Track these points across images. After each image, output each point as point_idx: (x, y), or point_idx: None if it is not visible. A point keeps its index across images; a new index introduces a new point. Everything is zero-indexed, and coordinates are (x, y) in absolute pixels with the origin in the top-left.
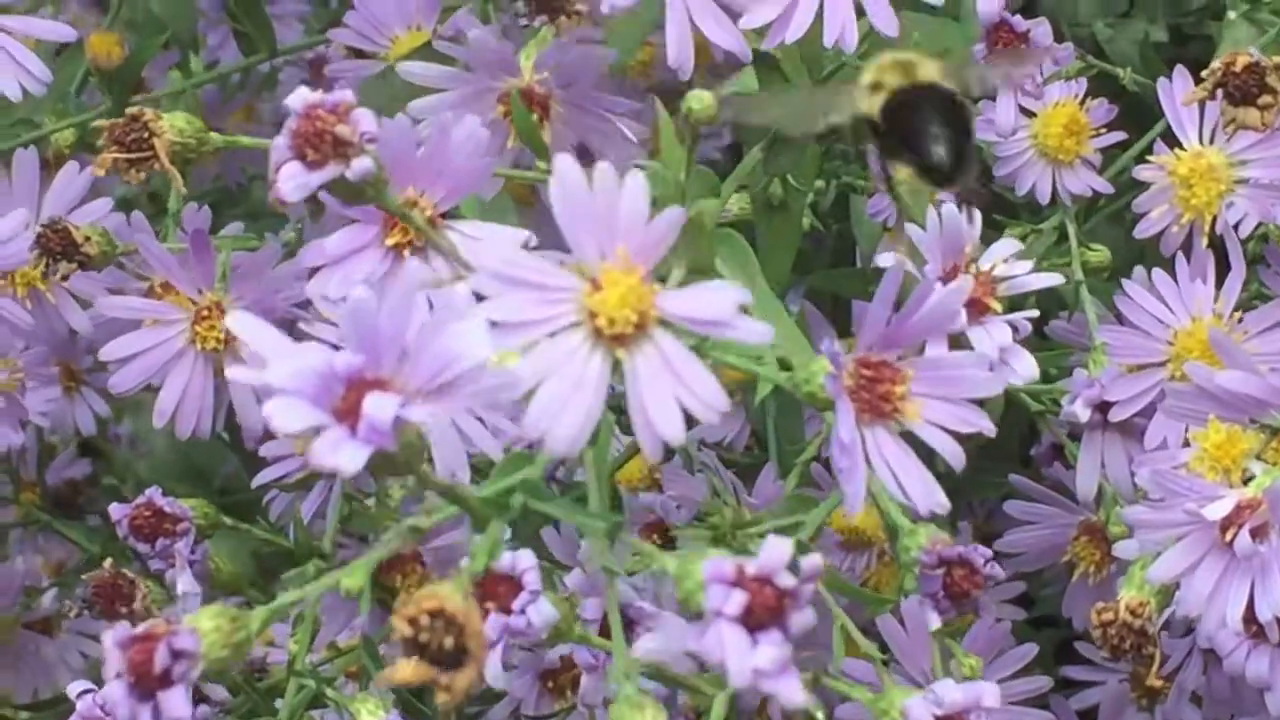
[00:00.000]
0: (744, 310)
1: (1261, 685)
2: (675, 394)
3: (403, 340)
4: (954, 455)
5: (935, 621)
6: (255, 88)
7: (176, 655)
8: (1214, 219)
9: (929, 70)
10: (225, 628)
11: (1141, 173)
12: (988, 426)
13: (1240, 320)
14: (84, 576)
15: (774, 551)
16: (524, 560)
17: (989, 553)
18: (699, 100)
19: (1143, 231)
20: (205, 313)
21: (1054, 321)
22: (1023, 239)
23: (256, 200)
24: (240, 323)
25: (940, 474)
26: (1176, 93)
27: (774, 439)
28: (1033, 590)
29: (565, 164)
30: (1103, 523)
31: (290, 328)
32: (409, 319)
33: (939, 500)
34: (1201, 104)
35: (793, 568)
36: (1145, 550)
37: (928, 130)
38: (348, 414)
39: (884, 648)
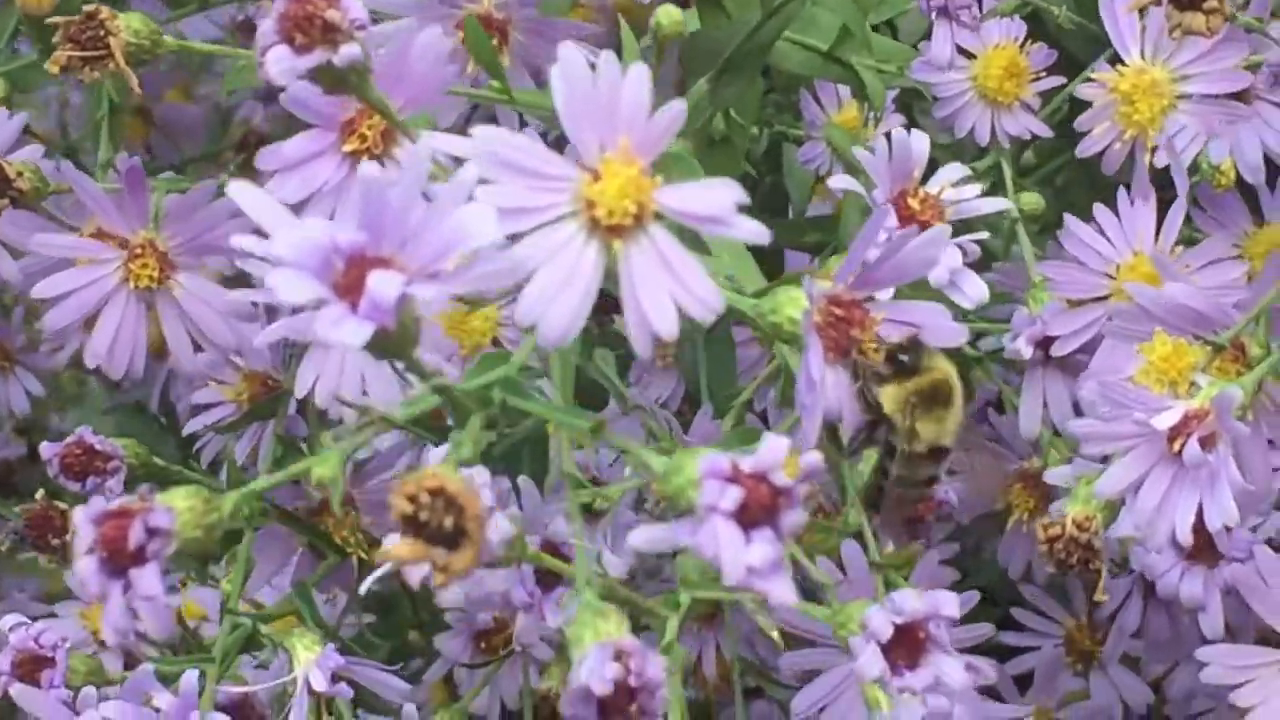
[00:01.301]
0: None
1: (1195, 606)
2: (670, 290)
3: (407, 221)
4: None
5: (889, 548)
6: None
7: (151, 532)
8: (1156, 136)
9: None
10: (199, 508)
11: (1084, 90)
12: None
13: (1180, 255)
14: (16, 509)
15: (771, 448)
16: (479, 477)
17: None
18: (667, 15)
19: (1085, 150)
20: (138, 251)
21: (986, 274)
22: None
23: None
24: (240, 192)
25: None
26: (1118, 7)
27: (705, 388)
28: (972, 563)
29: (570, 53)
30: (1038, 470)
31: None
32: (416, 199)
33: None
34: (1143, 18)
35: None
36: (1086, 468)
37: None
38: (349, 290)
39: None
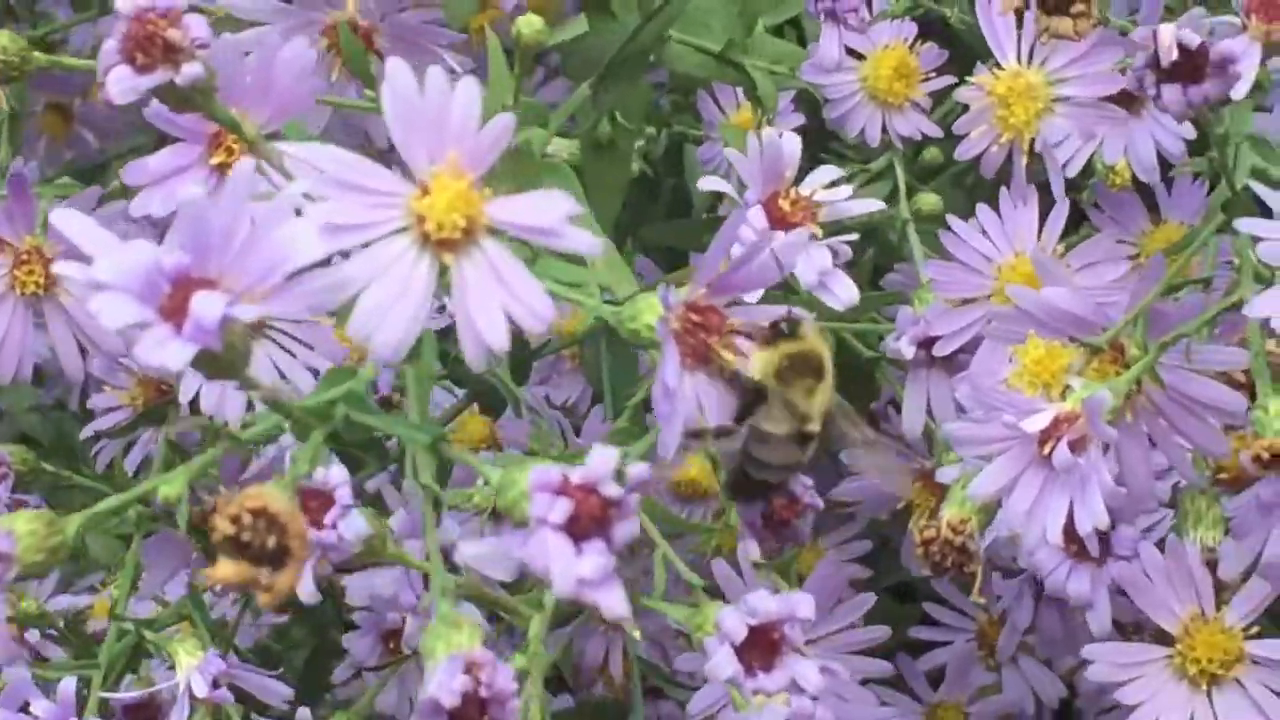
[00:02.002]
0: (573, 221)
1: (1083, 604)
2: (502, 302)
3: (233, 241)
4: None
5: (755, 551)
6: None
7: None
8: (1032, 139)
9: None
10: (40, 531)
11: (961, 94)
12: None
13: (1063, 256)
14: None
15: (599, 460)
16: (336, 475)
17: (809, 482)
18: (529, 24)
19: (963, 153)
20: (24, 258)
21: (889, 275)
22: (849, 180)
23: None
24: (63, 219)
25: None
26: (994, 9)
27: (608, 388)
28: (887, 560)
29: (397, 67)
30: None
31: None
32: (240, 220)
33: None
34: (1020, 22)
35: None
36: (966, 468)
37: None
38: (174, 312)
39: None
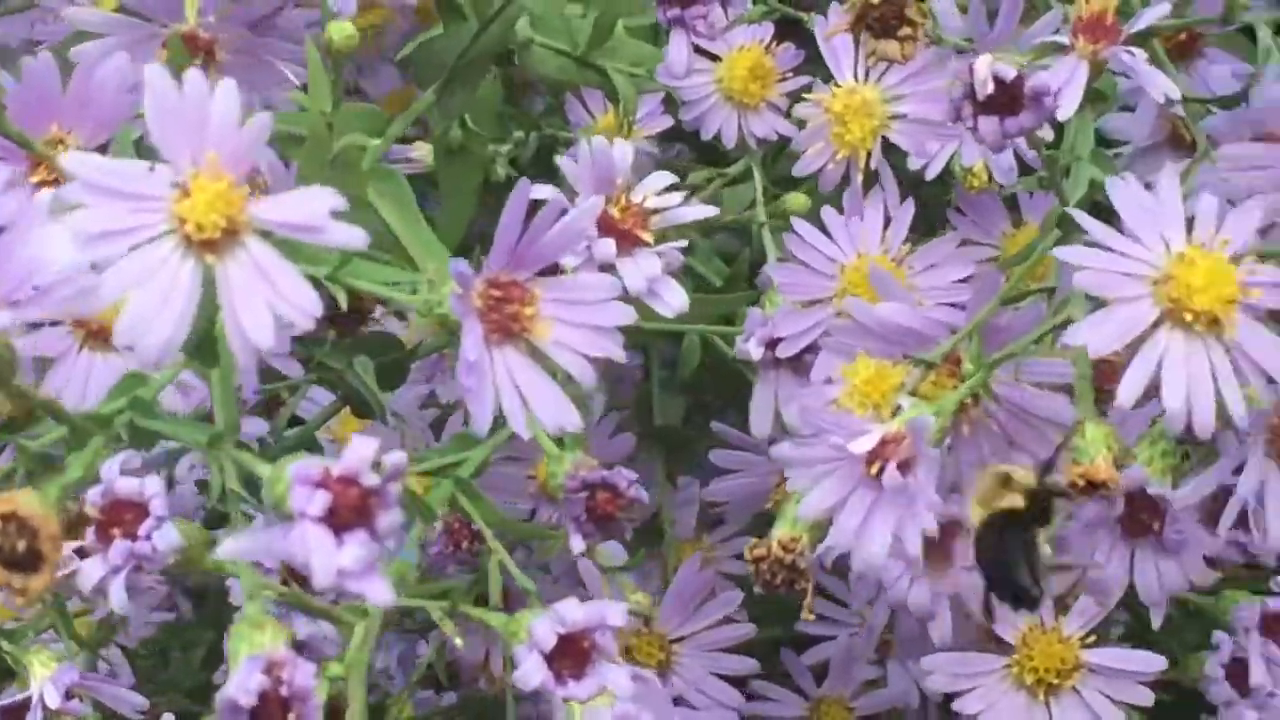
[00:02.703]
0: (336, 215)
1: (924, 615)
2: (268, 300)
3: None
4: (584, 374)
5: (580, 545)
6: None
7: None
8: (869, 155)
9: None
10: None
11: (799, 110)
12: (618, 353)
13: (906, 257)
14: None
15: (357, 451)
16: (151, 486)
17: (632, 476)
18: (340, 30)
19: (801, 169)
20: None
21: (761, 277)
22: (708, 182)
23: None
24: None
25: (659, 428)
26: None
27: None
28: None
29: (154, 72)
30: None
31: None
32: None
33: (570, 419)
34: (858, 40)
35: None
36: (799, 486)
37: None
38: None
39: None
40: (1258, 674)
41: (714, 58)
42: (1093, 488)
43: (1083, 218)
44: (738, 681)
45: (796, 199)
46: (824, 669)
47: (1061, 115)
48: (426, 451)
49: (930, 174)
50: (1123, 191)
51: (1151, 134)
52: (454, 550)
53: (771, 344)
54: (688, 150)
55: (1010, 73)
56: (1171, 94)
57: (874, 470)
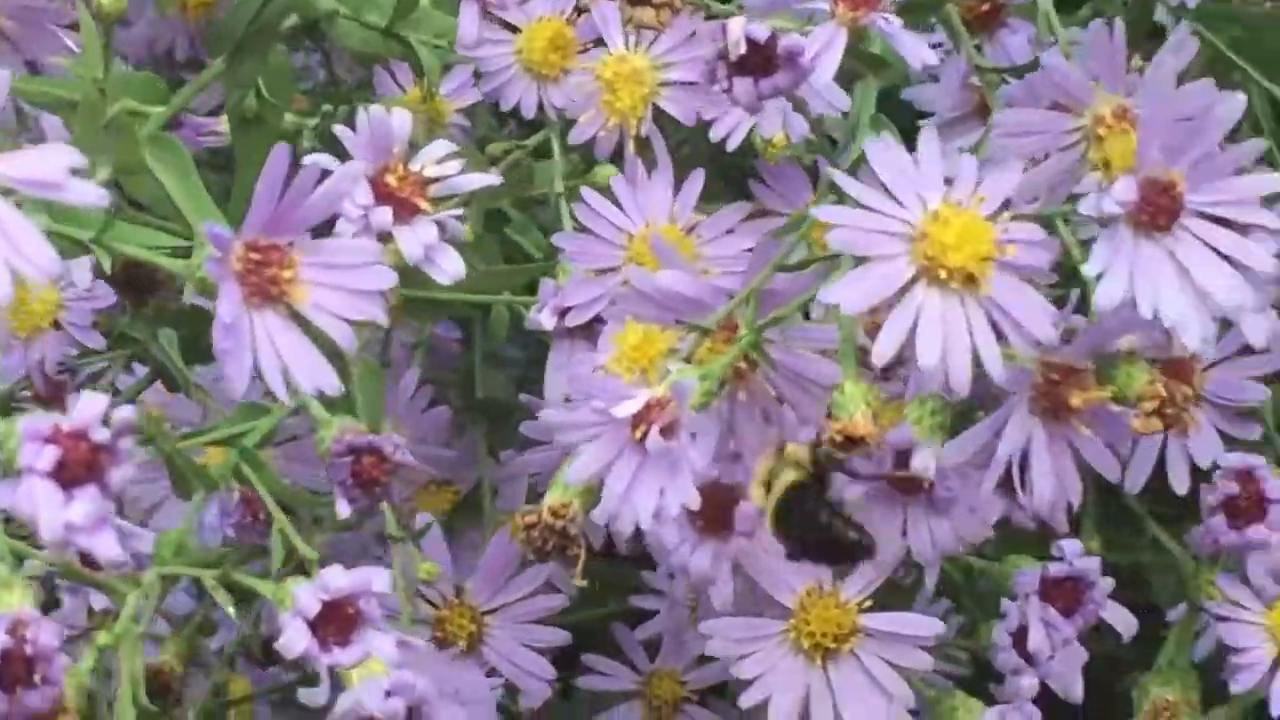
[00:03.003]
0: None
1: (704, 580)
2: (4, 256)
3: None
4: (345, 338)
5: (346, 510)
6: None
7: None
8: (639, 122)
9: None
10: None
11: (572, 80)
12: (379, 316)
13: (694, 227)
14: None
15: (87, 406)
16: None
17: (399, 440)
18: None
19: (575, 138)
20: None
21: None
22: (506, 153)
23: None
24: None
25: (480, 401)
26: None
27: None
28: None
29: None
30: None
31: None
32: None
33: (329, 382)
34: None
35: None
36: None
37: None
38: None
39: None
40: (1036, 639)
41: (514, 29)
42: (851, 443)
43: (839, 177)
44: (570, 657)
45: (605, 170)
46: (658, 643)
47: (819, 80)
48: (215, 421)
49: (731, 145)
50: (880, 152)
51: (957, 105)
52: (252, 521)
53: (563, 313)
54: (516, 126)
55: (763, 33)
56: (928, 60)
57: (639, 435)
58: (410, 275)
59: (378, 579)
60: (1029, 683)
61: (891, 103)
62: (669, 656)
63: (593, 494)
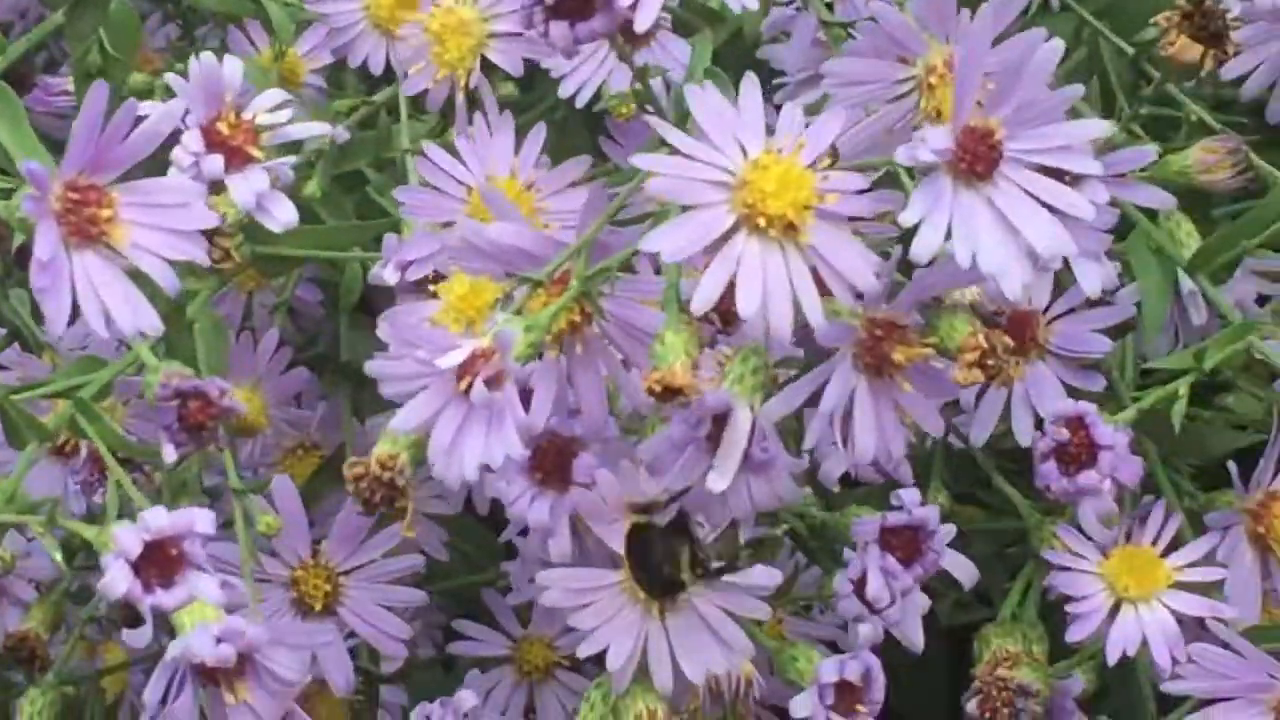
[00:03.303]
0: None
1: (543, 531)
2: None
3: None
4: (164, 277)
5: (171, 455)
6: None
7: None
8: (468, 73)
9: None
10: None
11: (402, 33)
12: (200, 255)
13: (535, 183)
14: None
15: None
16: None
17: (226, 385)
18: None
19: (409, 90)
20: None
21: None
22: (351, 112)
23: None
24: None
25: (344, 364)
26: None
27: None
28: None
29: None
30: None
31: None
32: None
33: (150, 322)
34: None
35: None
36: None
37: None
38: None
39: None
40: (874, 586)
41: None
42: (670, 393)
43: (659, 124)
44: (442, 623)
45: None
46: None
47: (639, 27)
48: (52, 374)
49: (580, 102)
50: (700, 100)
51: (809, 62)
52: (100, 478)
53: (406, 267)
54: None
55: None
56: (749, 5)
57: (464, 386)
58: (263, 234)
59: (201, 520)
60: (868, 630)
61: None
62: (540, 622)
63: (422, 447)
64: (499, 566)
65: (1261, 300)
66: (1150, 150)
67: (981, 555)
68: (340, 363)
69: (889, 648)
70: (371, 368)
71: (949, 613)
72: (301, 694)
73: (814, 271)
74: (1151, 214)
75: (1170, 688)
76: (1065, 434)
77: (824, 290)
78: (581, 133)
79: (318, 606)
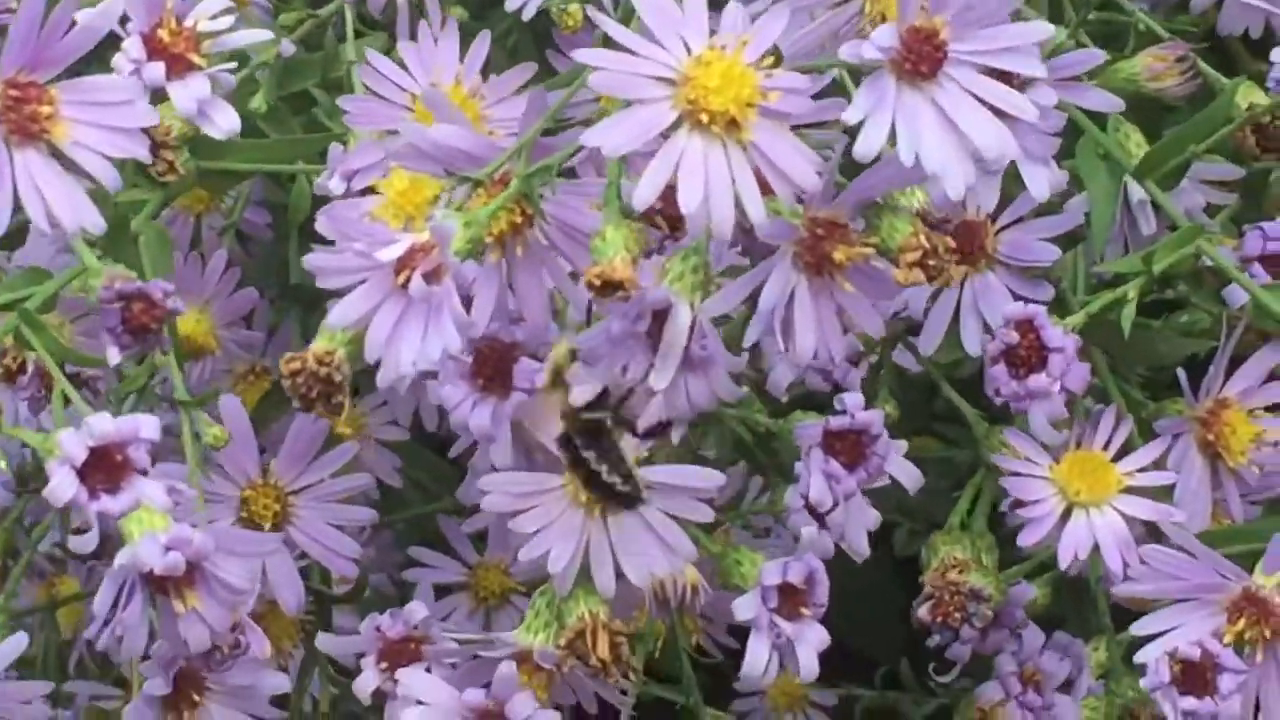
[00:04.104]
0: None
1: (485, 437)
2: None
3: None
4: (105, 174)
5: (115, 357)
6: None
7: None
8: None
9: None
10: None
11: None
12: (142, 154)
13: (479, 89)
14: None
15: None
16: None
17: (169, 287)
18: None
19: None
20: None
21: None
22: (296, 25)
23: None
24: None
25: (294, 286)
26: None
27: None
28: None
29: None
30: None
31: None
32: None
33: (92, 219)
34: None
35: None
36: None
37: None
38: None
39: None
40: (817, 489)
41: None
42: (609, 287)
43: (600, 18)
44: (399, 561)
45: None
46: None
47: None
48: None
49: (526, 15)
50: None
51: None
52: (46, 394)
53: (351, 177)
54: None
55: None
56: None
57: (402, 280)
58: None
59: (146, 426)
60: (811, 532)
61: None
62: (495, 549)
63: (360, 343)
64: (454, 496)
65: (1212, 213)
66: (1099, 53)
67: (936, 487)
68: (289, 285)
69: (842, 578)
70: (310, 260)
71: (903, 543)
72: (252, 614)
73: (756, 171)
74: (1100, 122)
75: (1121, 590)
76: (1015, 336)
77: (766, 190)
78: (531, 54)
79: (267, 526)
